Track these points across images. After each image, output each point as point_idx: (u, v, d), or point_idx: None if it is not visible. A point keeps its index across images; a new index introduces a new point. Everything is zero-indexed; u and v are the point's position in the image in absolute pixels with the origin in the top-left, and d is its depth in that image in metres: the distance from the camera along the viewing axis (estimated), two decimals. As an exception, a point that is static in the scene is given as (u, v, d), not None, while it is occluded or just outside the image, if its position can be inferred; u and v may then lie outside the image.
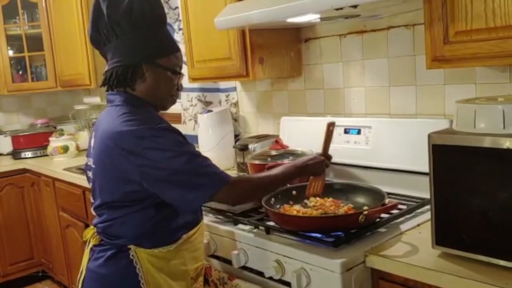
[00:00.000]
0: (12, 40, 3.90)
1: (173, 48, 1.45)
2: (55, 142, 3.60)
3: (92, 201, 1.47)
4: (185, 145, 1.33)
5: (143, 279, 1.38)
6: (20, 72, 3.98)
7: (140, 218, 1.37)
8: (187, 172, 1.29)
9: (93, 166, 1.42)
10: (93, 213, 1.47)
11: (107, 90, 1.45)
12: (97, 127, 1.44)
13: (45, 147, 3.69)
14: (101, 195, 1.40)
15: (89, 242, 1.48)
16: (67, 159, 3.54)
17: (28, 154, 3.79)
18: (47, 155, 3.68)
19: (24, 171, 3.64)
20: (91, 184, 1.47)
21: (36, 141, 3.80)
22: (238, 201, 1.40)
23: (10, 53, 3.89)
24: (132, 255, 1.38)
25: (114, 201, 1.37)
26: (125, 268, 1.38)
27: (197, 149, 1.38)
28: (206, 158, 1.34)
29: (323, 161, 1.62)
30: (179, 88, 1.49)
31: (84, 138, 3.83)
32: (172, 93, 1.47)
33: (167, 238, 1.42)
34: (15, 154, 3.81)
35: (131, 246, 1.39)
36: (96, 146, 1.40)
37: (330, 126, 1.67)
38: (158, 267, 1.40)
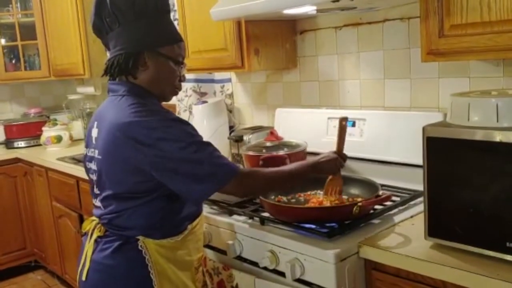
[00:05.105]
0: (5, 29, 3.87)
1: (176, 37, 1.44)
2: (48, 132, 3.59)
3: (98, 192, 1.44)
4: (195, 136, 1.32)
5: (152, 269, 1.38)
6: (13, 61, 3.94)
7: (149, 210, 1.37)
8: (197, 162, 1.28)
9: (98, 157, 1.40)
10: (98, 204, 1.45)
11: (109, 79, 1.44)
12: (100, 118, 1.42)
13: (38, 136, 3.68)
14: (110, 186, 1.38)
15: (92, 233, 1.46)
16: (60, 149, 3.52)
17: (21, 143, 3.77)
18: (40, 145, 3.66)
19: (17, 160, 3.62)
20: (95, 175, 1.44)
21: (29, 131, 3.78)
22: (246, 194, 1.40)
23: (3, 41, 3.86)
24: (141, 246, 1.38)
25: (123, 192, 1.36)
26: (133, 258, 1.38)
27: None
28: (215, 149, 1.33)
29: (337, 159, 1.57)
30: (182, 79, 1.47)
31: (78, 128, 3.81)
32: (175, 83, 1.45)
33: (174, 229, 1.42)
34: (7, 144, 3.79)
35: (140, 237, 1.39)
36: (102, 137, 1.38)
37: (343, 121, 1.58)
38: (166, 258, 1.41)
